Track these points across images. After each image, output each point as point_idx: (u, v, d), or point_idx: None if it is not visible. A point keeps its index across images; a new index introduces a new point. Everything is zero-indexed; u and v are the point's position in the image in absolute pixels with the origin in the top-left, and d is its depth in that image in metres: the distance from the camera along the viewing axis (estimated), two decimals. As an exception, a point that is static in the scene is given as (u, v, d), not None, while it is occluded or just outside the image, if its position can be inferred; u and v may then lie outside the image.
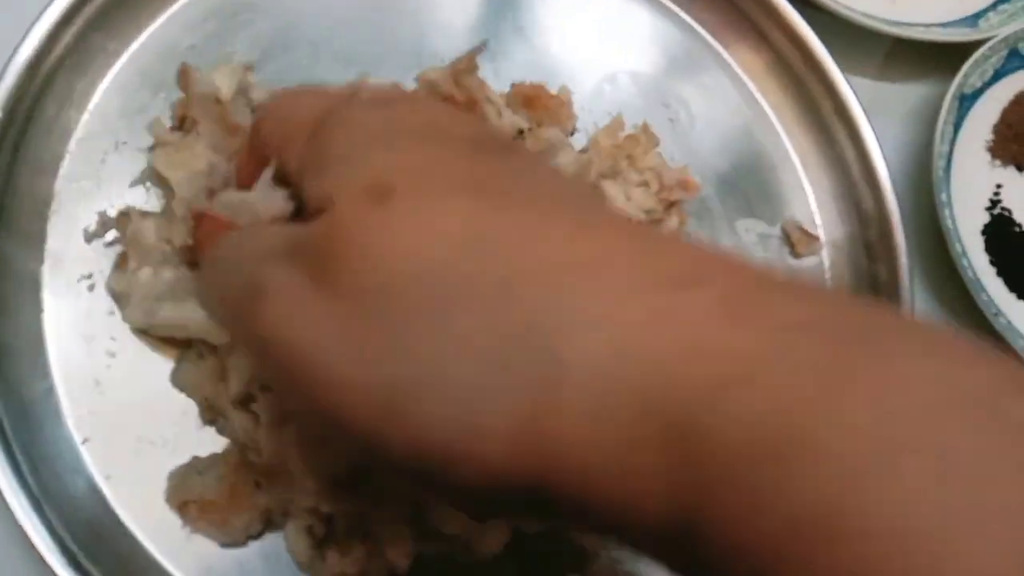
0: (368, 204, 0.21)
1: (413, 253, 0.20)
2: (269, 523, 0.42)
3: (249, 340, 0.24)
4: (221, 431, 0.42)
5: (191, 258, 0.40)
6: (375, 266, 0.21)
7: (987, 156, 0.54)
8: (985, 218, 0.53)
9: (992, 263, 0.52)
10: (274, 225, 0.26)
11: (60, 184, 0.43)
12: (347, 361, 0.21)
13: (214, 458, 0.42)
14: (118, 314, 0.42)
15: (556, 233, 0.21)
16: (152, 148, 0.41)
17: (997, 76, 0.54)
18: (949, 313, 0.52)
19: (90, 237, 0.43)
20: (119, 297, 0.42)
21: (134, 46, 0.45)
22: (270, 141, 0.27)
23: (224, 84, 0.38)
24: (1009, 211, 0.53)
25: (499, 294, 0.20)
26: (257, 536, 0.42)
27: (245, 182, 0.30)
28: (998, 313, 0.49)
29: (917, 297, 0.46)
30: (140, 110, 0.44)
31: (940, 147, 0.49)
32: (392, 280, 0.20)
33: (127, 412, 0.42)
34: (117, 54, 0.44)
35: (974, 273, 0.49)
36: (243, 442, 0.41)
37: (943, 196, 0.49)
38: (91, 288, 0.42)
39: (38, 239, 0.42)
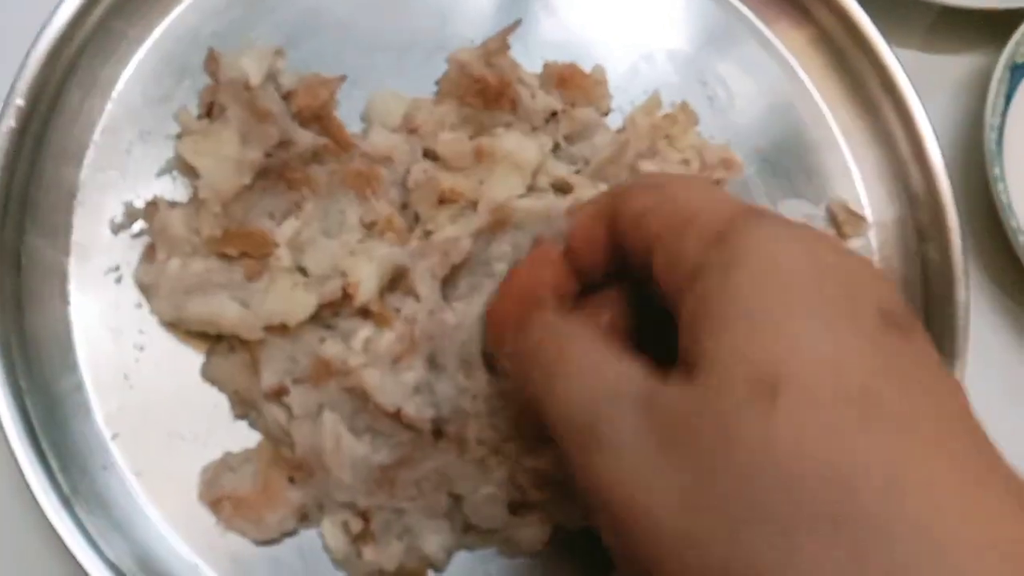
0: (750, 394, 0.21)
1: (784, 466, 0.20)
2: (304, 519, 0.41)
3: (579, 475, 0.24)
4: (253, 425, 0.41)
5: (220, 248, 0.39)
6: (745, 463, 0.21)
7: (1041, 128, 0.52)
8: (1040, 192, 0.51)
9: (1050, 239, 0.50)
10: (624, 366, 0.25)
11: (85, 174, 0.42)
12: (683, 535, 0.21)
13: (247, 453, 0.41)
14: (146, 307, 0.41)
15: (974, 503, 0.20)
16: (178, 136, 0.40)
17: (1051, 44, 0.51)
18: (1005, 292, 0.50)
19: (116, 228, 0.42)
20: (147, 289, 0.41)
21: (157, 33, 0.44)
22: (647, 224, 0.27)
23: (253, 69, 0.37)
24: (1065, 184, 0.51)
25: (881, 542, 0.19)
26: (292, 533, 0.41)
27: (580, 245, 0.30)
28: (1059, 290, 0.47)
29: (971, 277, 0.44)
30: (164, 98, 0.43)
31: (992, 119, 0.47)
32: (751, 479, 0.20)
33: (157, 407, 0.41)
34: (140, 41, 0.43)
35: (1032, 249, 0.47)
36: (276, 436, 0.40)
37: (996, 170, 0.47)
38: (118, 280, 0.41)
39: (64, 231, 0.42)
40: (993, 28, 0.51)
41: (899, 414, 0.21)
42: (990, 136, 0.47)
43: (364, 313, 0.40)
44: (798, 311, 0.22)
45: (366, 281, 0.39)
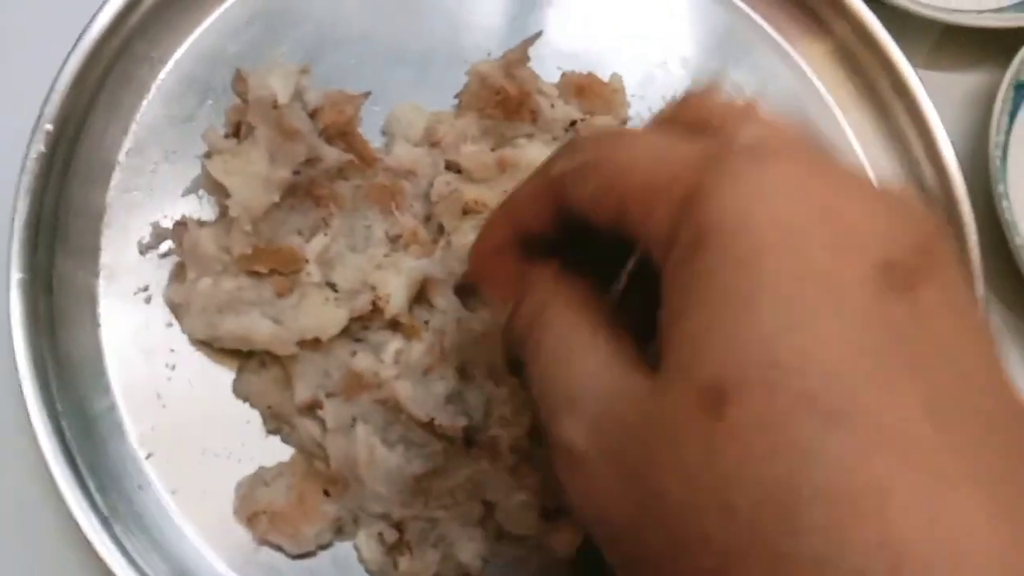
0: (698, 403, 0.18)
1: (722, 494, 0.18)
2: (339, 531, 0.41)
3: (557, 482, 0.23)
4: (286, 440, 0.42)
5: (250, 266, 0.40)
6: (687, 487, 0.19)
7: (1045, 146, 0.52)
8: (1045, 210, 0.52)
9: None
10: (597, 360, 0.22)
11: (112, 196, 0.43)
12: (636, 562, 0.20)
13: (281, 467, 0.41)
14: (176, 326, 0.42)
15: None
16: (205, 156, 0.40)
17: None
18: (1011, 310, 0.50)
19: (144, 249, 0.42)
20: (178, 309, 0.41)
21: (178, 54, 0.44)
22: (601, 194, 0.23)
23: (280, 88, 0.38)
24: (1070, 203, 0.52)
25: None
26: (327, 545, 0.41)
27: (529, 221, 0.26)
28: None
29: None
30: (188, 118, 0.44)
31: (996, 137, 0.48)
32: (690, 506, 0.19)
33: (190, 425, 0.41)
34: (162, 62, 0.44)
35: (1037, 268, 0.48)
36: (310, 450, 0.41)
37: (1000, 187, 0.47)
38: (148, 300, 0.42)
39: (92, 253, 0.42)
40: (998, 46, 0.52)
41: (884, 426, 0.17)
42: (994, 154, 0.48)
43: (394, 325, 0.40)
44: (766, 295, 0.18)
45: (395, 294, 0.40)
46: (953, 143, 0.46)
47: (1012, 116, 0.50)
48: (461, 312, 0.41)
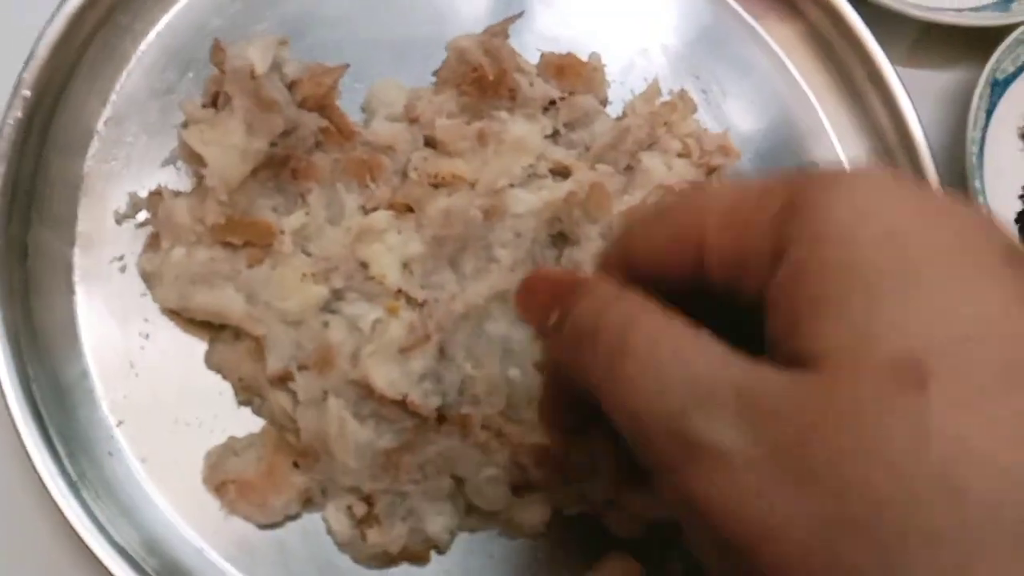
0: (892, 383, 0.17)
1: (950, 474, 0.16)
2: (308, 503, 0.41)
3: (670, 484, 0.20)
4: (257, 411, 0.42)
5: (224, 237, 0.40)
6: (897, 476, 0.16)
7: (1020, 143, 0.53)
8: (1018, 206, 0.52)
9: (1029, 253, 0.51)
10: (714, 353, 0.20)
11: (89, 166, 0.43)
12: (824, 566, 0.17)
13: (251, 438, 0.41)
14: (150, 295, 0.42)
15: None
16: (183, 126, 0.41)
17: (1031, 61, 0.53)
18: None
19: (121, 218, 0.42)
20: (150, 277, 0.41)
21: (160, 26, 0.44)
22: (683, 236, 0.22)
23: (258, 58, 0.38)
24: (1044, 199, 0.52)
25: None
26: (295, 516, 0.41)
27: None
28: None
29: None
30: (168, 90, 0.44)
31: (973, 133, 0.48)
32: (906, 493, 0.16)
33: (162, 394, 0.41)
34: (144, 34, 0.44)
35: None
36: (281, 422, 0.41)
37: (976, 183, 0.48)
38: (123, 270, 0.42)
39: (69, 222, 0.42)
40: (976, 44, 0.52)
41: None
42: (971, 150, 0.48)
43: (373, 298, 0.41)
44: (924, 274, 0.18)
45: (390, 270, 0.40)
46: (930, 140, 0.46)
47: (989, 113, 0.51)
48: (448, 288, 0.41)
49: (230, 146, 0.38)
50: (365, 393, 0.39)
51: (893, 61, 0.47)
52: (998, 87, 0.51)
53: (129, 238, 0.42)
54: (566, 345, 0.23)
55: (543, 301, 0.25)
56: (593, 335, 0.22)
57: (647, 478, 0.22)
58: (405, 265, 0.41)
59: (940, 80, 0.54)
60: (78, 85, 0.42)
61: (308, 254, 0.41)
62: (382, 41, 0.46)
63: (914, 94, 0.47)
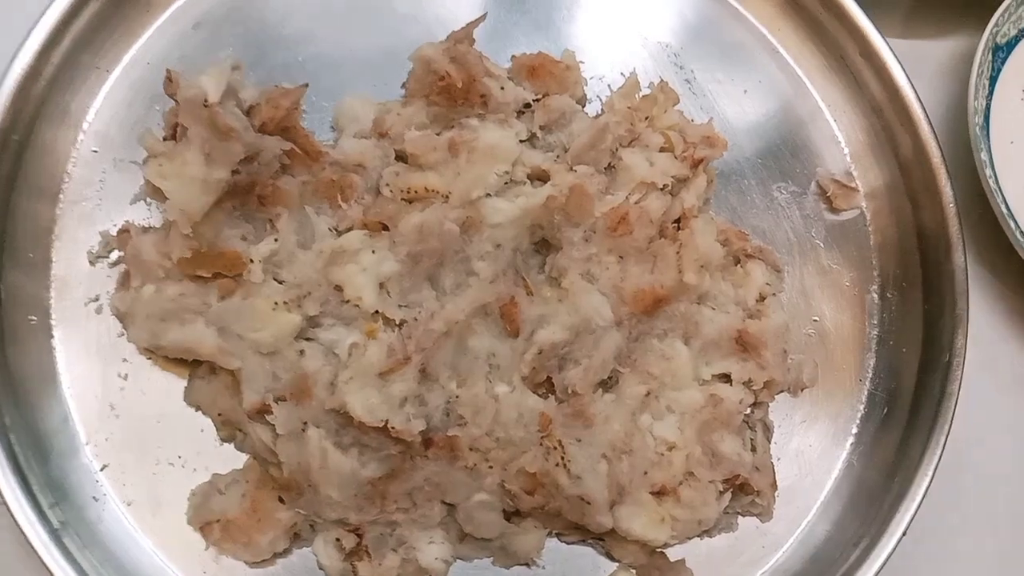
0: None
1: None
2: (296, 538, 0.40)
3: None
4: (240, 447, 0.41)
5: (191, 270, 0.39)
6: None
7: (1029, 108, 0.50)
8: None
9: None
10: None
11: (61, 208, 0.42)
12: None
13: (235, 474, 0.40)
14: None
15: None
16: (144, 161, 0.40)
17: (1033, 22, 0.49)
18: (999, 280, 0.48)
19: (94, 259, 0.42)
20: (123, 317, 0.40)
21: (124, 61, 0.44)
22: None
23: (211, 86, 0.37)
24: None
25: None
26: (285, 553, 0.40)
27: None
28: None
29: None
30: (136, 125, 0.43)
31: (975, 102, 0.45)
32: None
33: (144, 434, 0.40)
34: (108, 71, 0.43)
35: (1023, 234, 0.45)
36: (263, 456, 0.40)
37: (982, 155, 0.45)
38: (99, 311, 0.41)
39: (43, 265, 0.41)
40: (973, 9, 0.49)
41: None
42: (974, 120, 0.45)
43: (350, 322, 0.39)
44: None
45: (367, 291, 0.39)
46: (933, 113, 0.44)
47: (993, 80, 0.48)
48: (427, 306, 0.40)
49: (189, 178, 0.37)
50: (345, 421, 0.38)
51: (887, 34, 0.44)
52: (1000, 52, 0.48)
53: (104, 279, 0.42)
54: None
55: None
56: None
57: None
58: (381, 285, 0.40)
59: (939, 50, 0.51)
60: (46, 127, 0.42)
61: (280, 282, 0.39)
62: (350, 58, 0.45)
63: (912, 66, 0.44)
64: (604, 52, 0.46)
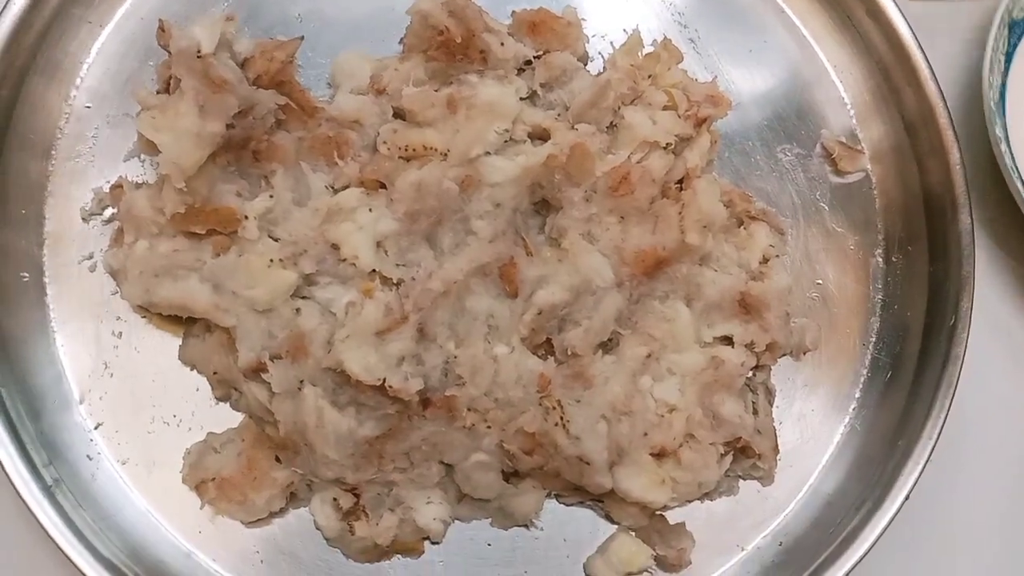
0: None
1: None
2: (293, 498, 0.39)
3: None
4: (235, 406, 0.40)
5: (185, 226, 0.38)
6: None
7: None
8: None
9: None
10: None
11: (54, 164, 0.41)
12: None
13: (230, 433, 0.39)
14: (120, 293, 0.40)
15: None
16: (138, 115, 0.39)
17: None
18: (1011, 255, 0.47)
19: (87, 215, 0.41)
20: (116, 274, 0.40)
21: (117, 15, 0.43)
22: None
23: (204, 37, 0.36)
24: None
25: None
26: (281, 512, 0.39)
27: None
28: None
29: (976, 244, 0.42)
30: (129, 80, 0.42)
31: (990, 77, 0.44)
32: None
33: (139, 393, 0.40)
34: (101, 25, 0.43)
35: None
36: (259, 415, 0.39)
37: (998, 131, 0.44)
38: (92, 268, 0.41)
39: (36, 222, 0.41)
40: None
41: None
42: (989, 95, 0.44)
43: (347, 280, 0.39)
44: None
45: (363, 250, 0.38)
46: (946, 79, 0.42)
47: (1009, 55, 0.47)
48: (425, 265, 0.39)
49: (183, 131, 0.36)
50: (342, 380, 0.37)
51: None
52: (1016, 28, 0.47)
53: (97, 236, 0.41)
54: None
55: None
56: None
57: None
58: (378, 244, 0.39)
59: (954, 13, 0.50)
60: (36, 83, 0.41)
61: (275, 239, 0.39)
62: (346, 12, 0.44)
63: (926, 30, 0.43)
64: (607, 9, 0.45)
